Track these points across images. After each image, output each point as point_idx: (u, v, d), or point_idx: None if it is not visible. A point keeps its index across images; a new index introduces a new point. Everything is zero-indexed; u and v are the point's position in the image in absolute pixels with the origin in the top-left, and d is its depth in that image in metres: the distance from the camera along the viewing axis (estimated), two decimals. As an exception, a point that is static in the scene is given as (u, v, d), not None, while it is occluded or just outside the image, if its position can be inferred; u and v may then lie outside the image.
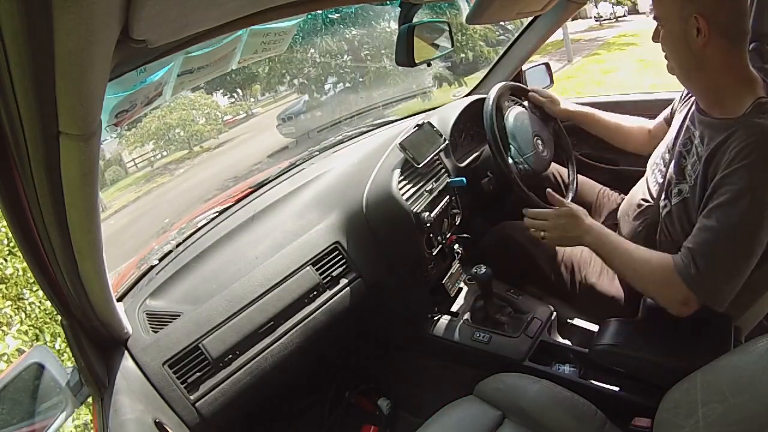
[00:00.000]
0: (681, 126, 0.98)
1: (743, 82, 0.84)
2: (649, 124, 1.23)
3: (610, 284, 1.11)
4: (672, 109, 1.12)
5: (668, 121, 1.13)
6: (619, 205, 1.20)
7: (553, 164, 1.36)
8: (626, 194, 1.17)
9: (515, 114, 1.27)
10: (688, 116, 0.96)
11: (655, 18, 0.89)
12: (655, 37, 0.91)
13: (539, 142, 1.28)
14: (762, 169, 0.76)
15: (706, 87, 0.88)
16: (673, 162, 0.96)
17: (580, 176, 1.36)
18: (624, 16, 13.11)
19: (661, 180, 1.00)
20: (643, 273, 0.88)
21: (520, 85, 1.41)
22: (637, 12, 13.18)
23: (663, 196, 0.98)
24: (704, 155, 0.85)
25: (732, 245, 0.79)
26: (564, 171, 1.39)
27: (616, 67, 7.51)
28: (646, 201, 1.05)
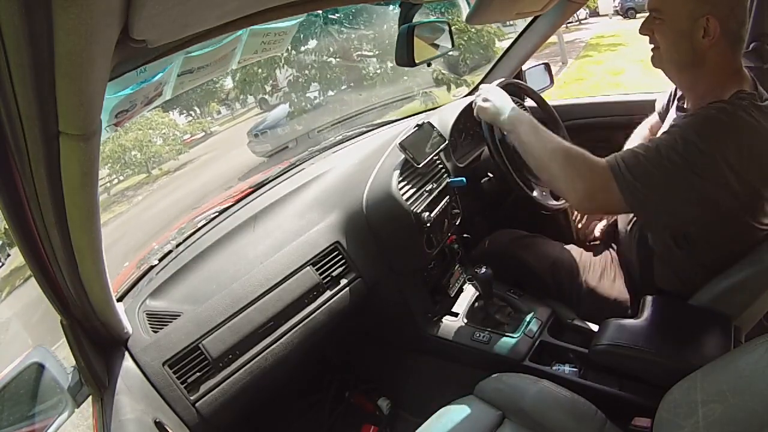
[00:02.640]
0: (671, 125, 0.99)
1: (733, 82, 0.85)
2: (650, 122, 1.23)
3: (610, 287, 1.11)
4: (662, 104, 1.13)
5: (662, 115, 1.14)
6: None
7: None
8: None
9: None
10: (671, 111, 0.99)
11: (651, 10, 0.88)
12: (646, 30, 0.89)
13: None
14: (712, 121, 0.78)
15: (696, 84, 0.89)
16: None
17: None
18: (586, 18, 13.21)
19: None
20: (565, 154, 0.88)
21: (518, 82, 1.41)
22: (597, 14, 13.40)
23: None
24: None
25: (666, 163, 0.79)
26: None
27: (620, 68, 7.44)
28: None
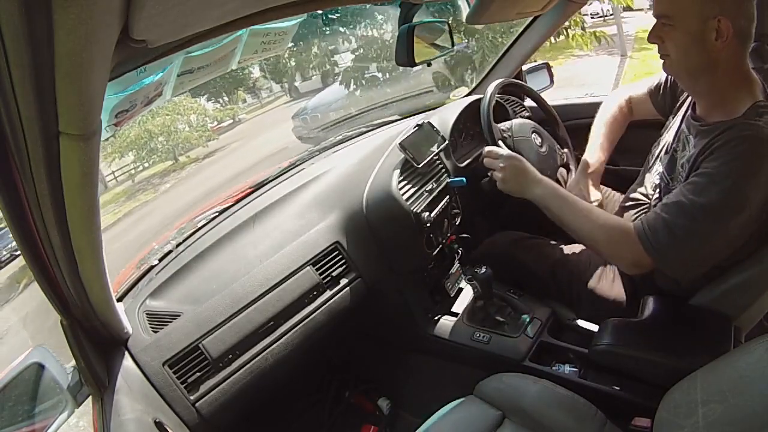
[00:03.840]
0: (678, 128, 0.98)
1: (745, 85, 0.84)
2: (623, 97, 1.23)
3: (610, 287, 1.11)
4: (660, 86, 1.11)
5: (654, 96, 1.13)
6: (616, 206, 1.20)
7: None
8: (625, 194, 1.18)
9: (515, 127, 1.28)
10: (684, 119, 0.96)
11: (659, 16, 0.85)
12: (655, 38, 0.87)
13: (538, 141, 1.28)
14: (746, 160, 0.77)
15: (711, 90, 0.86)
16: (667, 163, 0.97)
17: None
18: (611, 14, 13.10)
19: (657, 180, 1.01)
20: (600, 229, 0.92)
21: (517, 81, 1.41)
22: (631, 9, 13.21)
23: (656, 197, 0.98)
24: (693, 156, 0.85)
25: (696, 220, 0.80)
26: (563, 170, 1.39)
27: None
28: (644, 196, 1.06)
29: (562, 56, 7.34)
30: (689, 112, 0.94)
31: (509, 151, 1.07)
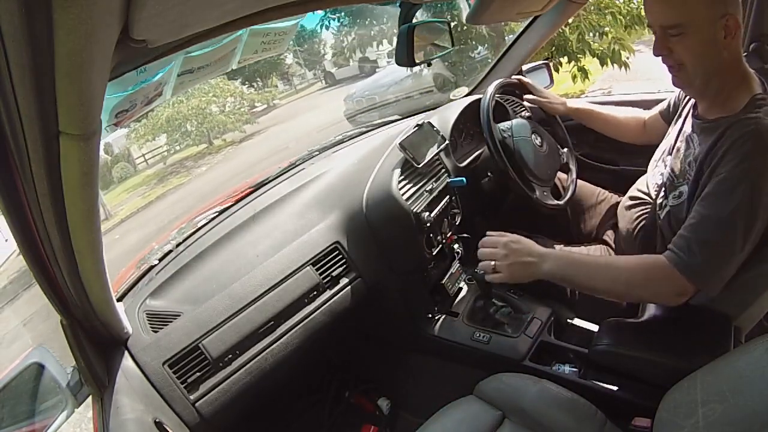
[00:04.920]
0: (682, 127, 0.98)
1: (743, 79, 0.84)
2: (644, 114, 1.23)
3: None
4: (669, 104, 1.12)
5: (665, 115, 1.13)
6: (618, 206, 1.20)
7: None
8: (625, 195, 1.18)
9: (516, 127, 1.27)
10: (688, 117, 0.96)
11: (666, 27, 0.82)
12: (663, 50, 0.84)
13: (538, 141, 1.28)
14: (756, 157, 0.76)
15: (721, 88, 0.85)
16: (672, 163, 0.96)
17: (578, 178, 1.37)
18: None
19: (660, 180, 1.00)
20: (633, 273, 0.85)
21: (519, 79, 1.41)
22: None
23: (662, 195, 0.98)
24: (700, 155, 0.85)
25: (726, 231, 0.78)
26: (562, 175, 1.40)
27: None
28: (647, 195, 1.05)
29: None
30: (692, 112, 0.94)
31: (505, 235, 0.95)
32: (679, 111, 1.04)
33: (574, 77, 3.96)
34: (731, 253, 0.79)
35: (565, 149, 1.38)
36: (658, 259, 0.83)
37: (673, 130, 1.02)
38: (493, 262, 0.92)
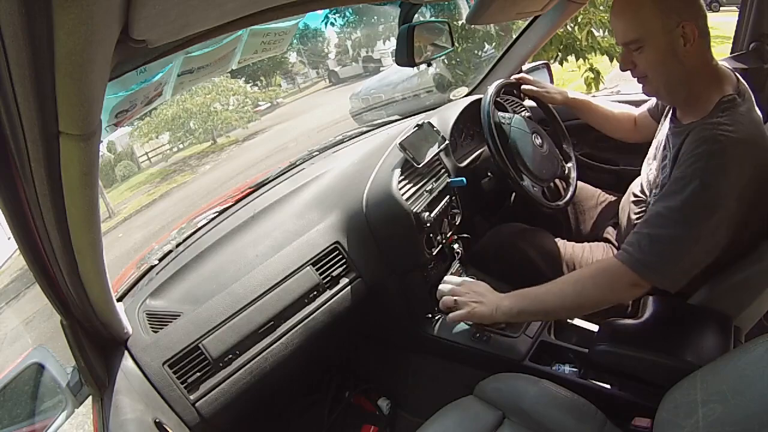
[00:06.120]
0: (663, 129, 1.00)
1: (714, 80, 0.85)
2: (635, 111, 1.25)
3: None
4: (657, 101, 1.13)
5: (653, 113, 1.15)
6: (617, 206, 1.21)
7: None
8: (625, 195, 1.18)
9: (516, 119, 1.27)
10: (667, 120, 0.98)
11: (625, 44, 0.86)
12: (627, 65, 0.88)
13: (538, 141, 1.28)
14: (709, 159, 0.78)
15: (689, 95, 0.88)
16: (654, 164, 0.99)
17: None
18: None
19: (652, 178, 1.01)
20: (588, 287, 0.87)
21: (521, 76, 1.41)
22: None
23: (653, 194, 0.99)
24: (670, 160, 0.87)
25: (676, 224, 0.80)
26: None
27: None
28: (642, 194, 1.06)
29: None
30: (670, 115, 0.97)
31: (461, 278, 1.02)
32: (664, 111, 1.05)
33: (588, 84, 3.94)
34: (684, 246, 0.81)
35: (565, 149, 1.38)
36: (610, 259, 0.87)
37: (660, 131, 1.04)
38: (454, 298, 0.96)
